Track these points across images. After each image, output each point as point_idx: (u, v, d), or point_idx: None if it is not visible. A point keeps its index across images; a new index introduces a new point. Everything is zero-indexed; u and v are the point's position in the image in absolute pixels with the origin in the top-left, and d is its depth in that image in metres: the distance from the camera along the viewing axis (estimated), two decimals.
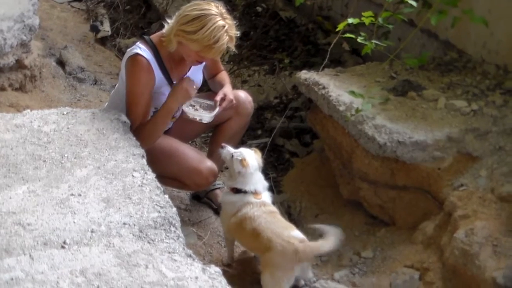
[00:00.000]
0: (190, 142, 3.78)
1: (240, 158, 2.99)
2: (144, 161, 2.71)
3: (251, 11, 5.95)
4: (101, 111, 3.11)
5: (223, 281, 2.10)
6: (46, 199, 2.38)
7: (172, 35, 3.04)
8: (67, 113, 3.03)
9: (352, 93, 3.19)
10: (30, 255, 2.09)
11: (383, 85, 3.47)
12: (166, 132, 3.37)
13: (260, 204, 2.98)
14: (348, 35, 3.29)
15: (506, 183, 2.78)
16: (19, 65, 4.15)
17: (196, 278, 2.07)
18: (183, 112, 3.25)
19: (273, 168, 4.11)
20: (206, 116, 3.19)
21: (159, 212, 2.36)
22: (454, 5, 3.13)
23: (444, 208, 2.92)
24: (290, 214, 3.66)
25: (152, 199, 2.43)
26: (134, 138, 2.90)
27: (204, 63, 3.30)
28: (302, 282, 2.97)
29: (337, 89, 3.45)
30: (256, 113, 4.37)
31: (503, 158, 2.92)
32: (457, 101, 3.23)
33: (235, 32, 3.07)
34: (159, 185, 2.55)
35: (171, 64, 3.19)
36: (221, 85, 3.38)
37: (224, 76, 3.48)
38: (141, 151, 2.78)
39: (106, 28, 6.12)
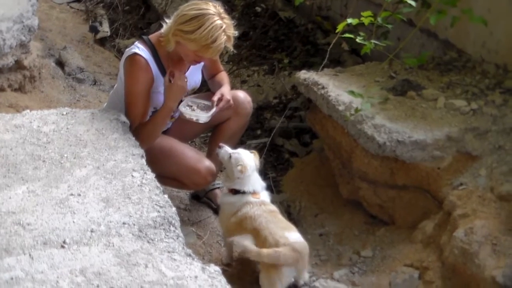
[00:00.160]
0: (189, 142, 3.78)
1: (239, 167, 2.99)
2: (144, 161, 2.71)
3: (250, 11, 5.95)
4: (100, 111, 3.11)
5: (223, 280, 2.10)
6: (45, 199, 2.39)
7: (170, 35, 3.04)
8: (66, 113, 3.04)
9: (352, 92, 3.18)
10: (30, 255, 2.09)
11: (382, 85, 3.47)
12: (165, 132, 3.38)
13: (260, 203, 2.98)
14: (347, 35, 3.29)
15: (505, 182, 2.78)
16: (18, 65, 4.15)
17: (196, 277, 2.08)
18: (180, 112, 3.25)
19: (273, 168, 4.10)
20: (203, 116, 3.19)
21: (158, 211, 2.36)
22: (453, 5, 3.12)
23: (444, 207, 2.93)
24: (290, 213, 3.66)
25: (152, 199, 2.43)
26: (134, 138, 2.90)
27: (202, 63, 3.30)
28: (302, 282, 2.97)
29: (336, 89, 3.46)
30: (255, 113, 4.37)
31: (502, 157, 2.92)
32: (456, 100, 3.23)
33: (233, 32, 3.07)
34: (158, 184, 2.55)
35: (170, 64, 3.19)
36: (220, 85, 3.38)
37: (223, 76, 3.48)
38: (140, 151, 2.78)
39: (105, 28, 6.12)
